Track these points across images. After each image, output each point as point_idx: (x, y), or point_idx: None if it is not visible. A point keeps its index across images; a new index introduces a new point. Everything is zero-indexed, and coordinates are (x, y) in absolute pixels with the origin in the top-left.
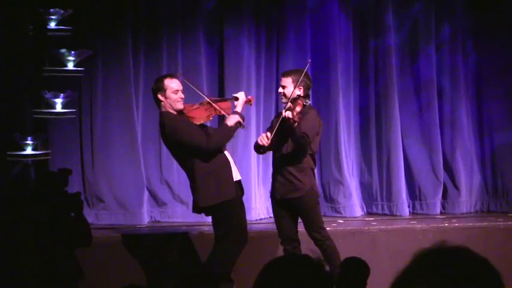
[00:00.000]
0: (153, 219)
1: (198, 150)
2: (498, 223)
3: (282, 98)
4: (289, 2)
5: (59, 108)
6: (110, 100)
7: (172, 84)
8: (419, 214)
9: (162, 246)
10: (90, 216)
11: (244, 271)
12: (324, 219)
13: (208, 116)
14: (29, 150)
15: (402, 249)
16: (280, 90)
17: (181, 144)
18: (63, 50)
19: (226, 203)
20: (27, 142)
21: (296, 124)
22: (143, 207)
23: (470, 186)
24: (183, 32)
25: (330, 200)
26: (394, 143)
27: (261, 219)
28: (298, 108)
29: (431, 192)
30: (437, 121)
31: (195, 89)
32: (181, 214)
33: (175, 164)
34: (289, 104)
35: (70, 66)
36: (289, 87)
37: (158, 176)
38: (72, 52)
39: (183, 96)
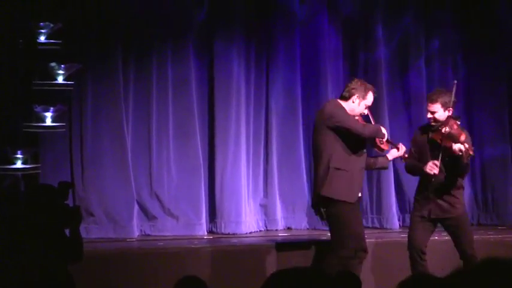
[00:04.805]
0: (143, 233)
1: (353, 132)
2: (488, 236)
3: (431, 122)
4: (279, 16)
5: (49, 122)
6: (100, 114)
7: (371, 100)
8: None
9: (152, 260)
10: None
11: (238, 284)
12: (314, 232)
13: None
14: (19, 164)
15: (392, 262)
16: (430, 116)
17: (337, 126)
18: (53, 64)
19: (346, 204)
20: (17, 156)
21: (469, 156)
22: (133, 221)
23: None
24: (173, 47)
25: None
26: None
27: (251, 232)
28: (463, 137)
29: None
30: None
31: (369, 115)
32: (171, 228)
33: (165, 177)
34: (446, 129)
35: (60, 79)
36: (439, 111)
37: (148, 189)
38: (62, 66)
39: (365, 113)
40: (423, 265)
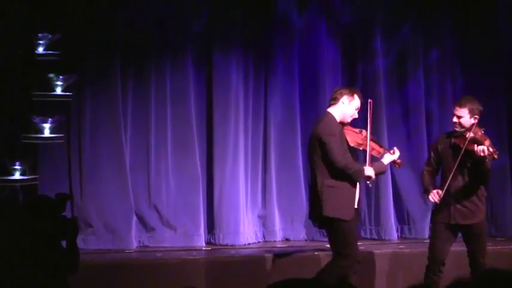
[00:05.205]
0: (142, 244)
1: (329, 159)
2: (487, 247)
3: (456, 127)
4: (278, 27)
5: (47, 133)
6: (98, 125)
7: (358, 102)
8: (408, 238)
9: (150, 272)
10: (78, 241)
11: None
12: (312, 243)
13: (359, 144)
14: (17, 175)
15: (390, 273)
16: (455, 120)
17: (323, 145)
18: (51, 75)
19: (343, 221)
20: (16, 167)
21: (492, 159)
22: (131, 232)
23: None
24: (172, 58)
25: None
26: None
27: (249, 243)
28: (487, 142)
29: (419, 216)
30: (426, 145)
31: (368, 120)
32: (170, 239)
33: (164, 189)
34: (471, 134)
35: (58, 91)
36: (465, 117)
37: (146, 201)
38: (61, 77)
39: (356, 116)
40: (439, 276)
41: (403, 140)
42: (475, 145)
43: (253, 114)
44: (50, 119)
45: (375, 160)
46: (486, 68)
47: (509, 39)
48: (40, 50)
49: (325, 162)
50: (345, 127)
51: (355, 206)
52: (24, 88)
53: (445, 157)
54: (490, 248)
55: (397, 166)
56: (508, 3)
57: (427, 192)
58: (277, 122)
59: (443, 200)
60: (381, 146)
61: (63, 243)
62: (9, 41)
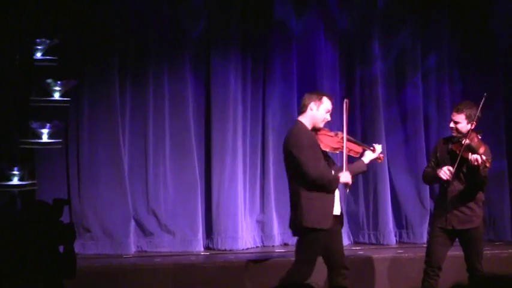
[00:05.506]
0: (140, 249)
1: (302, 170)
2: (485, 252)
3: (453, 132)
4: (276, 31)
5: (45, 138)
6: (96, 130)
7: (328, 104)
8: (406, 243)
9: (149, 277)
10: (76, 246)
11: None
12: None
13: (335, 149)
14: (15, 181)
15: (389, 278)
16: (452, 125)
17: (294, 157)
18: (49, 80)
19: (320, 231)
20: (14, 172)
21: (485, 168)
22: (130, 237)
23: None
24: (170, 63)
25: None
26: (380, 172)
27: (247, 248)
28: (482, 150)
29: (417, 220)
30: (424, 150)
31: (344, 120)
32: (168, 244)
33: (162, 193)
34: (467, 140)
35: (56, 96)
36: (463, 123)
37: (145, 205)
38: (59, 82)
39: (329, 119)
40: (436, 280)
41: (401, 144)
42: (469, 153)
43: (251, 119)
44: (48, 124)
45: (355, 160)
46: (484, 72)
47: (506, 43)
48: (38, 55)
49: (301, 173)
50: (320, 132)
51: (337, 213)
52: (22, 93)
53: (443, 162)
54: (488, 252)
55: (380, 161)
56: (505, 8)
57: (436, 177)
58: (275, 127)
59: (441, 205)
60: (359, 145)
61: (61, 249)
62: (7, 46)
